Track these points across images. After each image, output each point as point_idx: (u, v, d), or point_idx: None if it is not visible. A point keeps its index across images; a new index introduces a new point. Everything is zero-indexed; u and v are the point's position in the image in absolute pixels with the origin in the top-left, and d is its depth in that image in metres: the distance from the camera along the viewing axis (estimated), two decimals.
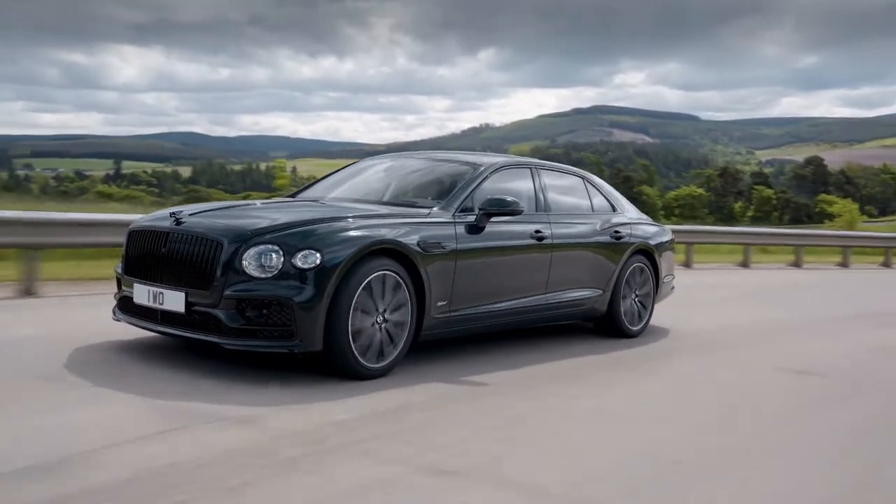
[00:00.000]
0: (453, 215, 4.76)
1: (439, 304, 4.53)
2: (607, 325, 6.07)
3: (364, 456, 3.01)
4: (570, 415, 3.89)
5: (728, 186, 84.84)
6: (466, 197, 4.92)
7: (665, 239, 6.67)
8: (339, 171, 6.11)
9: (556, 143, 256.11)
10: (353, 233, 4.13)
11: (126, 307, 4.43)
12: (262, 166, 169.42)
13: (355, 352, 4.04)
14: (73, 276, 8.20)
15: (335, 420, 3.43)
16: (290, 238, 3.99)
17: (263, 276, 3.91)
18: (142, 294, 4.20)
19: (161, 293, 4.09)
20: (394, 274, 4.23)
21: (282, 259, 3.92)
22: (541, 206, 5.52)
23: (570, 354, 5.32)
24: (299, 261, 3.92)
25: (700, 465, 3.22)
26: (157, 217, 4.50)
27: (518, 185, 5.43)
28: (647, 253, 6.32)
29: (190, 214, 4.30)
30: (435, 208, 4.78)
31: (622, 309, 6.04)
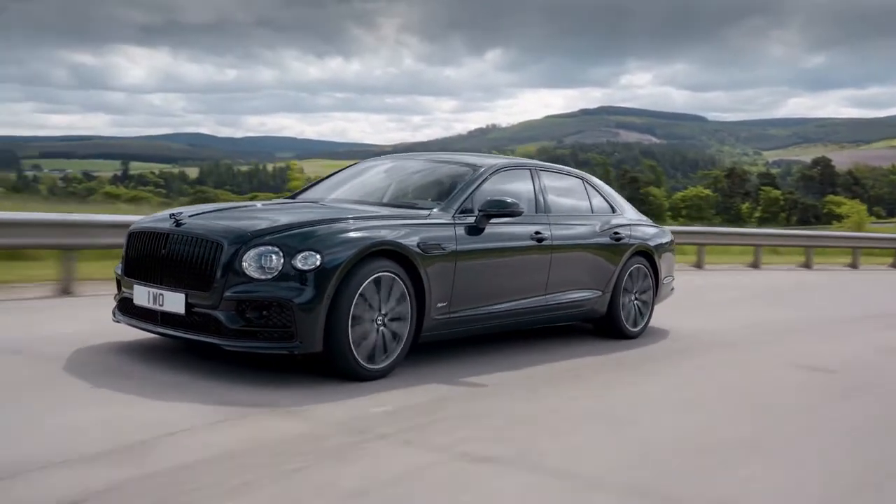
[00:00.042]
0: (453, 217, 4.77)
1: (439, 305, 4.54)
2: (607, 326, 6.07)
3: (364, 456, 3.02)
4: (571, 415, 3.90)
5: (735, 187, 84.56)
6: (466, 198, 4.93)
7: (664, 240, 6.66)
8: (339, 172, 6.12)
9: (563, 143, 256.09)
10: (353, 234, 4.14)
11: (126, 308, 4.45)
12: (269, 167, 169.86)
13: (355, 353, 4.05)
14: (105, 277, 8.28)
15: (335, 420, 3.45)
16: (290, 239, 4.01)
17: (263, 277, 3.92)
18: (142, 295, 4.22)
19: (161, 294, 4.11)
20: (394, 275, 4.24)
21: (282, 260, 3.94)
22: (540, 208, 5.52)
23: (570, 355, 5.32)
24: (299, 262, 3.93)
25: (700, 465, 3.22)
26: (157, 218, 4.52)
27: (518, 187, 5.44)
28: (647, 254, 6.32)
29: (190, 216, 4.32)
30: (435, 210, 4.79)
31: (622, 310, 6.04)
